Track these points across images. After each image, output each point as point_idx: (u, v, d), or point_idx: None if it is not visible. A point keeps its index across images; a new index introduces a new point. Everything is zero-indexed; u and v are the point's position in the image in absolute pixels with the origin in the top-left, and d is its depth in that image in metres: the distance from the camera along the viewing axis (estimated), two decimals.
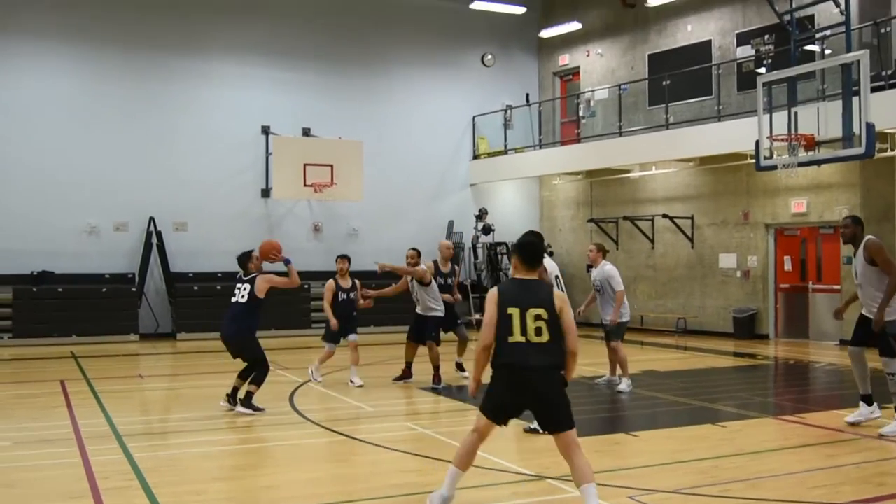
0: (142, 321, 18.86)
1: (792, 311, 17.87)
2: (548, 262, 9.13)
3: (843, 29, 13.85)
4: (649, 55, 20.65)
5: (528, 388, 5.51)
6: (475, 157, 23.00)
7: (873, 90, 12.98)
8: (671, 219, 19.33)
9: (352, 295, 11.97)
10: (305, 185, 18.79)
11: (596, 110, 21.13)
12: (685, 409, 10.24)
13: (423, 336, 11.67)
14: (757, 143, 14.34)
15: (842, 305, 9.31)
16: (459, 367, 12.59)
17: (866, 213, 15.42)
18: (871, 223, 13.45)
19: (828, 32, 14.96)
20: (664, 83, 18.66)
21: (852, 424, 8.73)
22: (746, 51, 17.74)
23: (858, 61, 12.72)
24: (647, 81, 20.11)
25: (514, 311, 5.53)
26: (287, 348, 16.10)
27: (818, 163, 14.24)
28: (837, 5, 13.97)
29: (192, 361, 15.75)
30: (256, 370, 9.73)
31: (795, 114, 13.80)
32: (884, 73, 14.19)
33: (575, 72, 23.01)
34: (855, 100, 12.82)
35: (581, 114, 21.27)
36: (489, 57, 23.26)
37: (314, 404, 10.58)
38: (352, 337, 11.93)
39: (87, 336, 17.79)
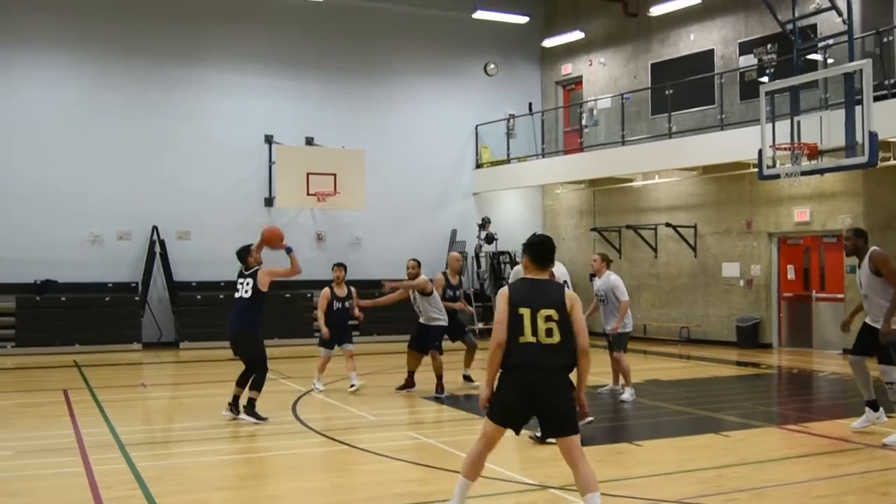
0: (145, 330, 18.87)
1: (795, 320, 17.83)
2: (558, 266, 9.03)
3: (845, 38, 13.85)
4: (652, 64, 20.68)
5: (537, 389, 5.42)
6: (478, 166, 23.02)
7: (876, 99, 13.00)
8: (674, 228, 19.32)
9: (347, 304, 11.94)
10: (308, 194, 18.75)
11: (599, 119, 21.15)
12: (689, 418, 10.22)
13: (426, 345, 11.64)
14: (760, 152, 14.32)
15: (847, 318, 9.30)
16: (467, 378, 12.54)
17: (869, 222, 15.43)
18: (874, 232, 13.46)
19: (830, 42, 14.98)
20: (667, 92, 18.70)
21: (859, 431, 8.73)
22: (749, 60, 17.73)
23: (861, 70, 12.73)
24: (649, 90, 20.13)
25: (525, 312, 5.45)
26: (289, 357, 16.08)
27: (821, 172, 14.23)
28: (840, 14, 13.98)
29: (195, 370, 15.74)
30: (255, 374, 9.69)
31: (798, 123, 13.80)
32: (886, 83, 14.20)
33: (578, 81, 23.04)
34: (858, 109, 12.82)
35: (584, 123, 21.28)
36: (492, 66, 23.30)
37: (316, 413, 10.58)
38: (347, 346, 11.93)
39: (90, 345, 17.76)
